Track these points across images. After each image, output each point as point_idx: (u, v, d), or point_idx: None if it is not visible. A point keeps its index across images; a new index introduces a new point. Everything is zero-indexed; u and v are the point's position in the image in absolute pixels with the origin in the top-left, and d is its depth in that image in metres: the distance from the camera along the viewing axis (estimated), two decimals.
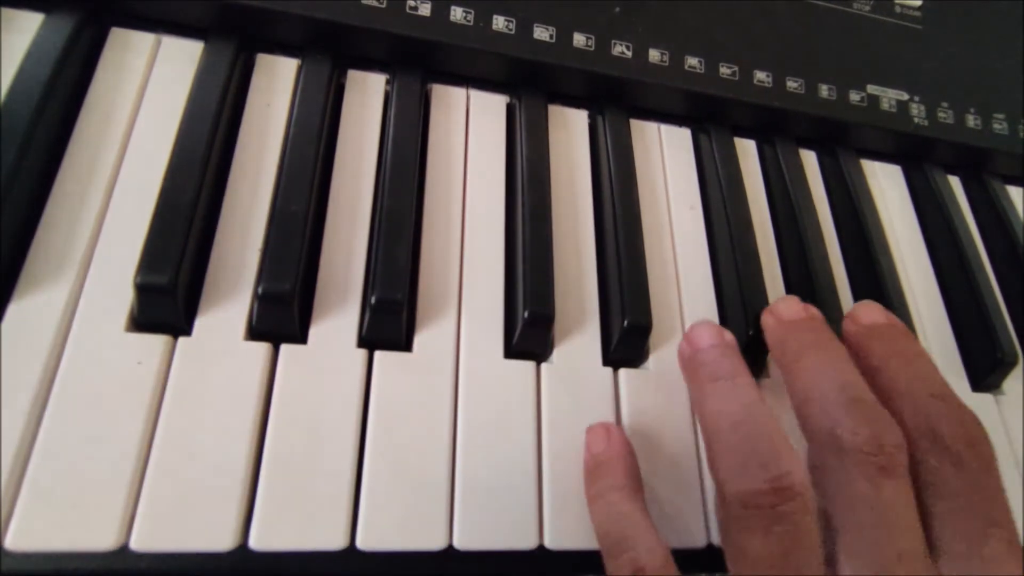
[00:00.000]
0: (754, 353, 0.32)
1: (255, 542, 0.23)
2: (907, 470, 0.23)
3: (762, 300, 0.33)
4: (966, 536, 0.22)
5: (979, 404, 0.36)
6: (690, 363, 0.28)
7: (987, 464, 0.23)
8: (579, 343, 0.31)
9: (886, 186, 0.42)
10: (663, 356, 0.32)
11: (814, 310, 0.29)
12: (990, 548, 0.22)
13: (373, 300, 0.27)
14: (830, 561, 0.22)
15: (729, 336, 0.27)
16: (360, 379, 0.27)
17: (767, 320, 0.29)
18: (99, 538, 0.22)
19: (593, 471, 0.26)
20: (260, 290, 0.26)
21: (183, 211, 0.26)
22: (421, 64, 0.34)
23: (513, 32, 0.34)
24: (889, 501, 0.22)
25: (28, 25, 0.30)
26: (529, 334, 0.29)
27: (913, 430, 0.24)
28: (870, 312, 0.28)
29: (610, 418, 0.29)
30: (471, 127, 0.35)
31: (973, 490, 0.23)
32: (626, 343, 0.30)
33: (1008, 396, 0.37)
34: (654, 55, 0.36)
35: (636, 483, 0.26)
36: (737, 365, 0.26)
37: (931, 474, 0.23)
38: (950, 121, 0.41)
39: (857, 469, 0.23)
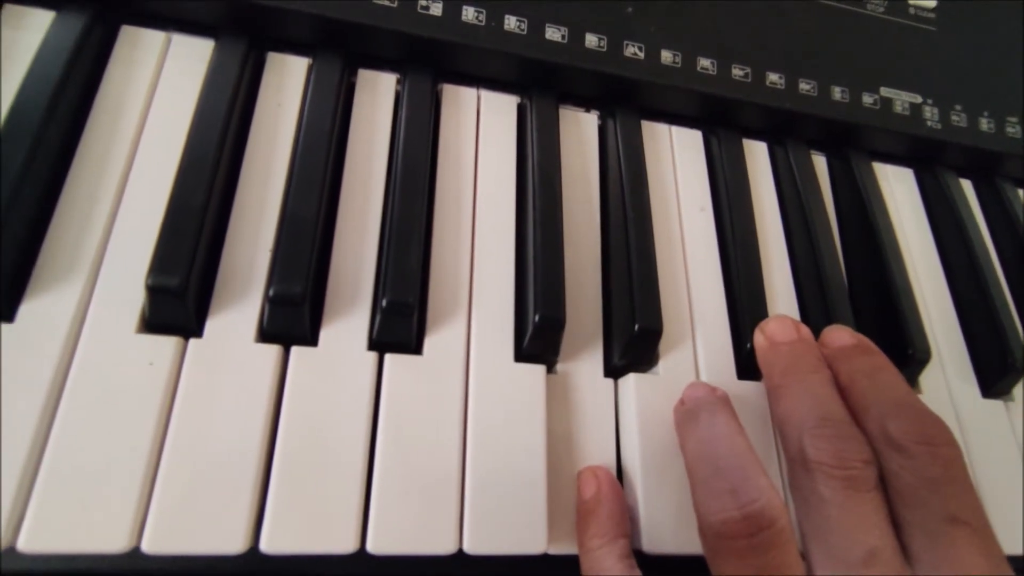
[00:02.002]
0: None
1: (266, 545, 0.23)
2: (876, 484, 0.24)
3: (761, 308, 0.33)
4: (933, 543, 0.23)
5: (989, 410, 0.36)
6: (676, 415, 0.29)
7: (947, 463, 0.24)
8: (589, 347, 0.31)
9: (897, 189, 0.42)
10: (673, 360, 0.31)
11: (805, 331, 0.29)
12: (956, 550, 0.22)
13: (384, 302, 0.27)
14: (808, 573, 0.24)
15: (721, 392, 0.29)
16: (370, 382, 0.27)
17: (758, 339, 0.30)
18: (111, 540, 0.22)
19: (583, 518, 0.27)
20: (271, 292, 0.26)
21: (194, 212, 0.26)
22: (432, 64, 0.34)
23: (525, 32, 0.34)
24: (855, 511, 0.23)
25: (38, 23, 0.29)
26: (540, 338, 0.29)
27: (877, 441, 0.25)
28: (838, 335, 0.30)
29: (611, 422, 0.29)
30: (482, 127, 0.35)
31: (933, 492, 0.23)
32: (637, 347, 0.30)
33: (1019, 403, 0.36)
34: (666, 56, 0.36)
35: (620, 528, 0.26)
36: (717, 409, 0.27)
37: (896, 481, 0.24)
38: (963, 124, 0.41)
39: (823, 482, 0.24)
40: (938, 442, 0.24)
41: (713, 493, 0.24)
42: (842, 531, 0.23)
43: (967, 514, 0.23)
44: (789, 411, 0.27)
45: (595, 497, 0.27)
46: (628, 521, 0.27)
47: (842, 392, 0.27)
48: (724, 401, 0.28)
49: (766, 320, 0.30)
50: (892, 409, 0.25)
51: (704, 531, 0.24)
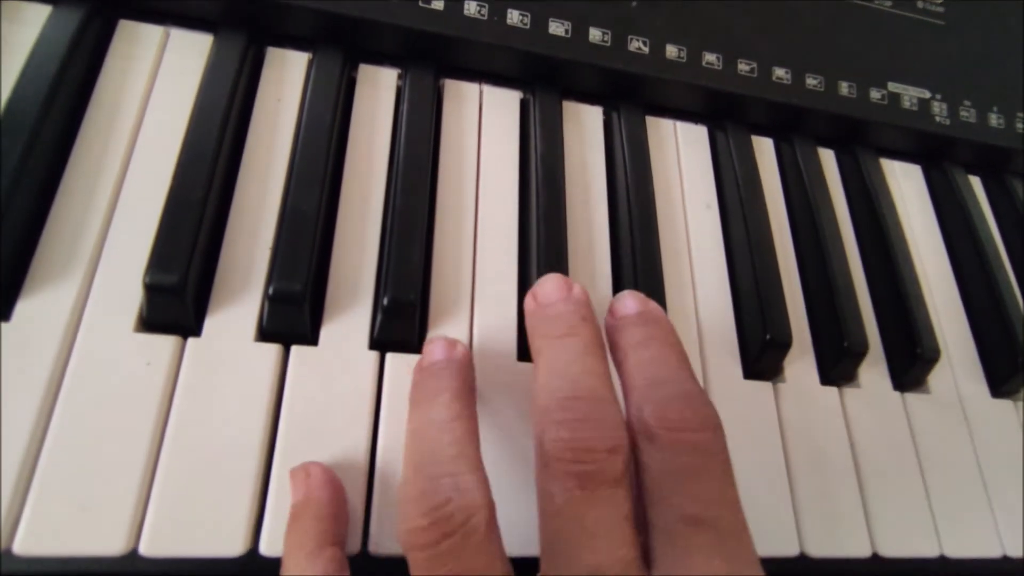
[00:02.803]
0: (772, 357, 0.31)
1: (266, 548, 0.23)
2: (618, 478, 0.20)
3: (780, 302, 0.32)
4: (670, 548, 0.19)
5: (998, 410, 0.35)
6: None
7: (696, 451, 0.20)
8: None
9: (905, 186, 0.42)
10: None
11: (577, 292, 0.25)
12: (691, 557, 0.19)
13: (385, 300, 0.26)
14: None
15: (459, 351, 0.25)
16: (372, 381, 0.26)
17: (527, 303, 0.26)
18: (108, 543, 0.22)
19: (288, 526, 0.23)
20: (270, 290, 0.25)
21: (193, 208, 0.26)
22: (434, 59, 0.34)
23: (528, 27, 0.33)
24: (586, 517, 0.19)
25: (35, 17, 0.29)
26: None
27: (632, 428, 0.21)
28: (623, 303, 0.25)
29: None
30: (484, 123, 0.34)
31: (676, 487, 0.20)
32: None
33: None
34: (671, 51, 0.36)
35: (328, 536, 0.22)
36: (439, 387, 0.23)
37: (643, 475, 0.21)
38: (972, 120, 0.40)
39: (557, 483, 0.20)
40: (690, 427, 0.20)
41: (406, 498, 0.20)
42: (568, 545, 0.20)
43: (711, 512, 0.20)
44: (540, 386, 0.22)
45: (303, 500, 0.23)
46: (342, 525, 0.23)
47: (617, 370, 0.24)
48: (455, 371, 0.23)
49: (540, 280, 0.26)
50: (652, 392, 0.22)
51: (399, 539, 0.20)
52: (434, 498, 0.19)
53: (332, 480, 0.23)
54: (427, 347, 0.25)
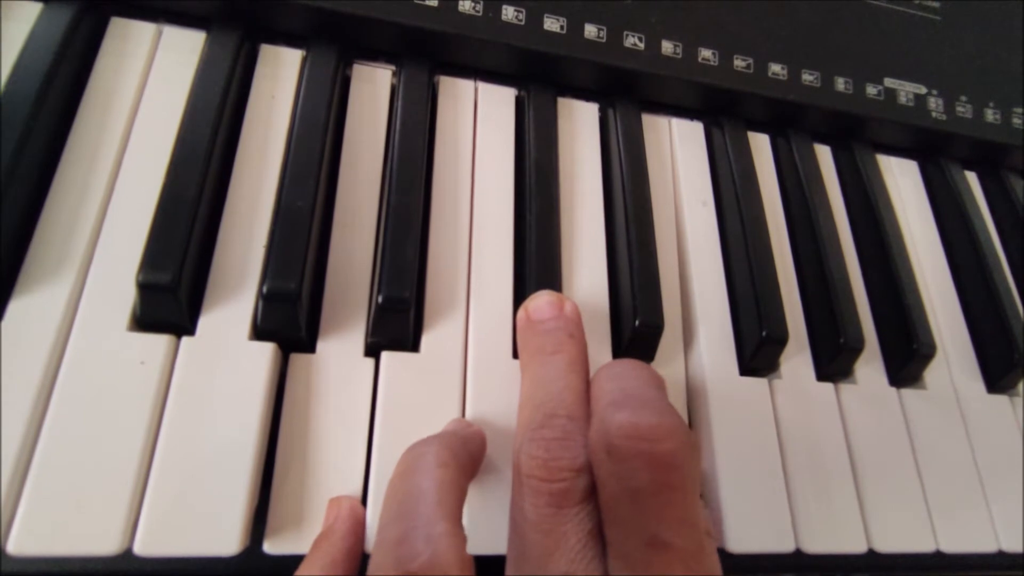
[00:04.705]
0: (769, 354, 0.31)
1: (268, 547, 0.23)
2: (584, 496, 0.21)
3: (776, 299, 0.32)
4: (630, 567, 0.19)
5: (994, 405, 0.35)
6: None
7: (658, 466, 0.19)
8: (594, 342, 0.30)
9: (902, 182, 0.42)
10: (670, 357, 0.31)
11: (568, 310, 0.26)
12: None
13: (380, 298, 0.26)
14: None
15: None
16: (368, 380, 0.26)
17: (520, 317, 0.27)
18: (103, 542, 0.22)
19: (311, 547, 0.23)
20: (264, 289, 0.25)
21: (186, 207, 0.26)
22: (429, 56, 0.34)
23: (523, 23, 0.33)
24: (553, 533, 0.20)
25: (26, 14, 0.29)
26: None
27: (595, 441, 0.21)
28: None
29: None
30: (479, 120, 0.34)
31: (635, 505, 0.19)
32: (640, 344, 0.30)
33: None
34: (667, 47, 0.36)
35: (341, 566, 0.22)
36: (431, 441, 0.23)
37: (602, 491, 0.20)
38: (968, 115, 0.40)
39: (530, 500, 0.21)
40: (653, 437, 0.19)
41: (380, 542, 0.20)
42: (535, 559, 0.20)
43: (672, 534, 0.19)
44: (521, 401, 0.23)
45: (325, 530, 0.24)
46: (354, 558, 0.23)
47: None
48: (459, 436, 0.24)
49: (533, 295, 0.27)
50: (611, 411, 0.21)
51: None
52: (407, 550, 0.19)
53: (354, 516, 0.24)
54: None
